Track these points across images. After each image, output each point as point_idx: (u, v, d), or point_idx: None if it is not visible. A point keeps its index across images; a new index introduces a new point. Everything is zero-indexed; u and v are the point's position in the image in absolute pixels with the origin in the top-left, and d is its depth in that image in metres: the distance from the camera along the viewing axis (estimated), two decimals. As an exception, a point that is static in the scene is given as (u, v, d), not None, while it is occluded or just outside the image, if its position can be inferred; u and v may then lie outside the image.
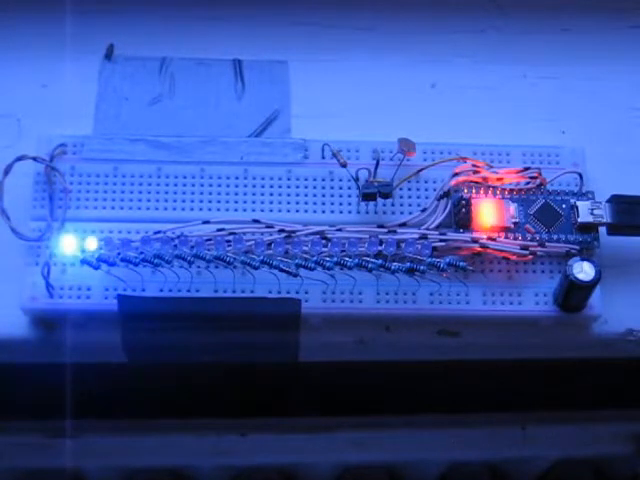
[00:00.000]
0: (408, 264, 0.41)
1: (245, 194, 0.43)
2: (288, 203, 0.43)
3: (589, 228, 0.42)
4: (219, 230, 0.41)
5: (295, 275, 0.40)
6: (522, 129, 0.46)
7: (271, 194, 0.43)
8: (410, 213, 0.43)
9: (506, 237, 0.42)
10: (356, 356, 0.43)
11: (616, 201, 0.43)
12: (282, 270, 0.40)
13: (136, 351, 0.42)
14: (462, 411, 0.53)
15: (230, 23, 0.49)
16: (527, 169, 0.43)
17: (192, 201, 0.43)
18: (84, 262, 0.40)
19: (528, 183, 0.43)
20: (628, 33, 0.50)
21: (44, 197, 0.42)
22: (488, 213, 0.42)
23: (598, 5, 0.50)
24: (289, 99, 0.47)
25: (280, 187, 0.43)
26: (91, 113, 0.46)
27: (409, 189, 0.43)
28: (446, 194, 0.43)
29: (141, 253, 0.40)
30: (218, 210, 0.43)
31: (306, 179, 0.43)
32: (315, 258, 0.40)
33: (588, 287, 0.40)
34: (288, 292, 0.41)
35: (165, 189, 0.43)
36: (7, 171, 0.41)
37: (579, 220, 0.42)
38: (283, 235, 0.41)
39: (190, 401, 0.51)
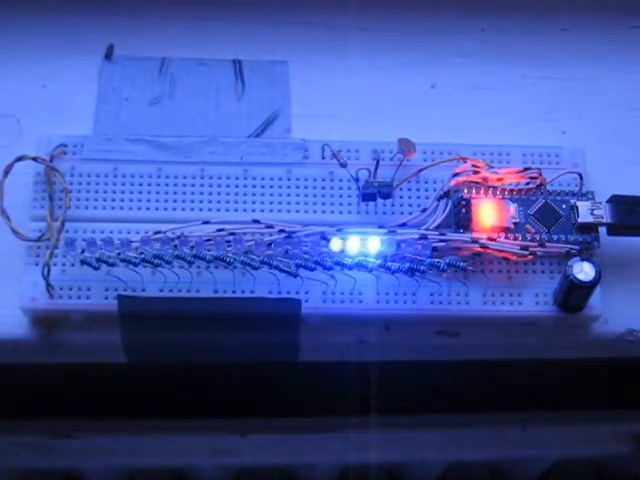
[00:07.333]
0: (408, 264, 0.41)
1: (245, 194, 0.43)
2: (288, 203, 0.43)
3: (589, 228, 0.42)
4: (219, 230, 0.41)
5: (295, 275, 0.41)
6: (522, 129, 0.46)
7: (271, 194, 0.43)
8: (410, 213, 0.43)
9: (506, 237, 0.42)
10: (356, 356, 0.43)
11: (616, 201, 0.43)
12: (282, 270, 0.40)
13: (136, 351, 0.42)
14: (462, 411, 0.53)
15: (230, 23, 0.49)
16: (527, 169, 0.43)
17: (192, 201, 0.43)
18: (84, 262, 0.40)
19: (528, 183, 0.43)
20: (628, 33, 0.50)
21: (44, 197, 0.42)
22: (488, 213, 0.42)
23: (598, 5, 0.50)
24: (289, 99, 0.47)
25: (280, 187, 0.43)
26: (91, 113, 0.46)
27: (409, 189, 0.43)
28: (446, 194, 0.43)
29: (141, 253, 0.40)
30: (218, 210, 0.43)
31: (306, 179, 0.43)
32: (315, 258, 0.40)
33: (588, 287, 0.40)
34: (288, 292, 0.41)
35: (165, 189, 0.43)
36: (7, 171, 0.41)
37: (579, 220, 0.42)
38: (283, 235, 0.41)
39: (190, 401, 0.51)
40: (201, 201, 0.43)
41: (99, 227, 0.42)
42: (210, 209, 0.43)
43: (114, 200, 0.43)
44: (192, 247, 0.40)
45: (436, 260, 0.41)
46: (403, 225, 0.42)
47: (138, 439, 0.53)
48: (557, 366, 0.47)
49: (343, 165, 0.43)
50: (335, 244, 0.41)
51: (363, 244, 0.41)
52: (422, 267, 0.41)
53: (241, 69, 0.47)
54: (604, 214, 0.42)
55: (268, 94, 0.47)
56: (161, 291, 0.41)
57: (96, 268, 0.40)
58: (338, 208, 0.43)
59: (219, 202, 0.43)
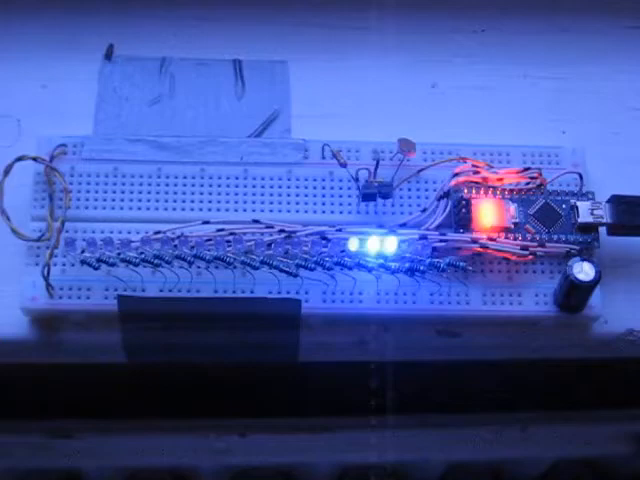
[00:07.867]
0: (408, 264, 0.41)
1: (245, 194, 0.43)
2: (288, 203, 0.43)
3: (589, 228, 0.42)
4: (219, 230, 0.41)
5: (295, 275, 0.41)
6: (522, 129, 0.46)
7: (271, 194, 0.43)
8: (410, 213, 0.43)
9: (506, 237, 0.42)
10: (356, 356, 0.43)
11: (616, 201, 0.43)
12: (282, 270, 0.40)
13: (136, 351, 0.42)
14: (462, 411, 0.53)
15: (230, 23, 0.49)
16: (527, 169, 0.43)
17: (192, 201, 0.43)
18: (84, 262, 0.40)
19: (528, 183, 0.43)
20: (628, 33, 0.50)
21: (44, 197, 0.42)
22: (488, 213, 0.42)
23: (598, 5, 0.50)
24: (289, 99, 0.47)
25: (280, 187, 0.43)
26: (91, 113, 0.46)
27: (409, 189, 0.43)
28: (446, 194, 0.43)
29: (141, 253, 0.40)
30: (218, 210, 0.43)
31: (306, 179, 0.43)
32: (315, 258, 0.40)
33: (588, 287, 0.40)
34: (288, 292, 0.41)
35: (165, 189, 0.43)
36: (7, 171, 0.41)
37: (579, 220, 0.42)
38: (283, 235, 0.41)
39: (190, 401, 0.51)
40: (201, 201, 0.43)
41: (99, 227, 0.42)
42: (210, 209, 0.43)
43: (114, 200, 0.43)
44: (192, 247, 0.40)
45: (436, 260, 0.41)
46: (403, 225, 0.42)
47: (138, 439, 0.53)
48: (557, 366, 0.47)
49: (343, 165, 0.43)
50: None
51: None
52: (422, 267, 0.41)
53: (241, 69, 0.47)
54: (604, 214, 0.42)
55: (268, 94, 0.47)
56: (161, 291, 0.41)
57: (96, 268, 0.40)
58: (338, 208, 0.43)
59: (219, 202, 0.43)
